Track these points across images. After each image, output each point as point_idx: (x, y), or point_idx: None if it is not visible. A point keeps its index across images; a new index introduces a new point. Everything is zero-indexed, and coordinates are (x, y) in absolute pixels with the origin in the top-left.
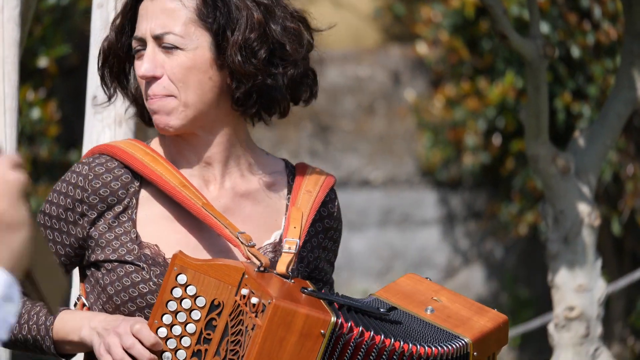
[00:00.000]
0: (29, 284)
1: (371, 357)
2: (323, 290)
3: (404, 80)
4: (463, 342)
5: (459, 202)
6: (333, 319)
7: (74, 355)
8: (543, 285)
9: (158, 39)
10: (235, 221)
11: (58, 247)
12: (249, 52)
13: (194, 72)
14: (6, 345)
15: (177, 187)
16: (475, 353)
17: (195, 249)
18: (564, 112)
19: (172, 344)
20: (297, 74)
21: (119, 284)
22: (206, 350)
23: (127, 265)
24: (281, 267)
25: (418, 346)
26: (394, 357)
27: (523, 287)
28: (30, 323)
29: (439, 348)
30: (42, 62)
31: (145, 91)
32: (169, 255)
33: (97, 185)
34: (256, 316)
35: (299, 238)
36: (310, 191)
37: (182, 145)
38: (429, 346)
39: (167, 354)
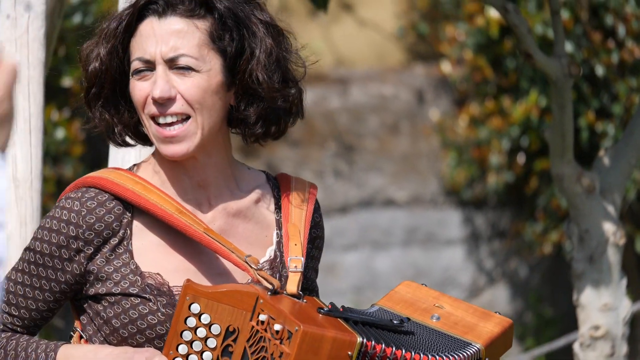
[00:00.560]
0: None
1: None
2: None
3: (428, 100)
4: (475, 348)
5: (484, 222)
6: (359, 339)
7: None
8: (567, 304)
9: (171, 61)
10: (231, 241)
11: (52, 285)
12: (266, 75)
13: (209, 94)
14: None
15: (175, 214)
16: (487, 359)
17: (195, 274)
18: (587, 131)
19: None
20: (298, 95)
21: (125, 317)
22: None
23: (132, 298)
24: (292, 287)
25: (437, 357)
26: None
27: (547, 306)
28: None
29: (455, 356)
30: (67, 81)
31: (151, 112)
32: (172, 283)
33: (92, 221)
34: (281, 343)
35: (302, 255)
36: (300, 205)
37: (176, 169)
38: (445, 356)
39: None
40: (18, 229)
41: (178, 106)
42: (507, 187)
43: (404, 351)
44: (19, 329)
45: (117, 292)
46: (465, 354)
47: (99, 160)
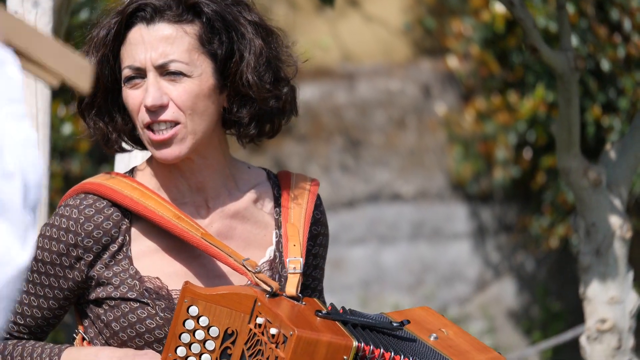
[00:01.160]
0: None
1: None
2: (315, 298)
3: (434, 94)
4: None
5: (490, 216)
6: (354, 343)
7: None
8: (574, 298)
9: (161, 67)
10: (229, 244)
11: (56, 292)
12: (257, 76)
13: (200, 98)
14: None
15: (172, 220)
16: None
17: (194, 278)
18: (594, 126)
19: None
20: (291, 94)
21: (124, 321)
22: None
23: (130, 302)
24: (291, 289)
25: None
26: None
27: (554, 300)
28: None
29: None
30: None
31: (145, 121)
32: (171, 287)
33: (90, 228)
34: (277, 347)
35: (302, 256)
36: (299, 203)
37: (173, 173)
38: None
39: None
40: None
41: (169, 113)
42: (513, 181)
43: (402, 357)
44: (25, 336)
45: (117, 296)
46: None
47: (106, 156)
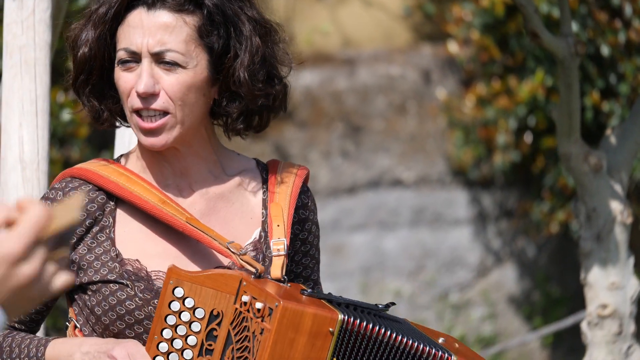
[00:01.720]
0: None
1: (379, 352)
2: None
3: (434, 80)
4: (451, 356)
5: (491, 201)
6: (340, 316)
7: None
8: (575, 283)
9: (157, 55)
10: (213, 225)
11: None
12: (249, 75)
13: (192, 90)
14: None
15: (157, 205)
16: None
17: (178, 259)
18: (592, 111)
19: (174, 358)
20: (283, 91)
21: (105, 304)
22: None
23: (110, 284)
24: (275, 271)
25: (417, 342)
26: (400, 351)
27: (555, 285)
28: (22, 356)
29: (434, 348)
30: None
31: (135, 106)
32: (151, 268)
33: None
34: (262, 320)
35: (285, 237)
36: (285, 182)
37: (157, 157)
38: (425, 344)
39: None
40: None
41: (160, 102)
42: (514, 166)
43: (389, 332)
44: (16, 325)
45: (97, 279)
46: (442, 352)
47: (106, 141)
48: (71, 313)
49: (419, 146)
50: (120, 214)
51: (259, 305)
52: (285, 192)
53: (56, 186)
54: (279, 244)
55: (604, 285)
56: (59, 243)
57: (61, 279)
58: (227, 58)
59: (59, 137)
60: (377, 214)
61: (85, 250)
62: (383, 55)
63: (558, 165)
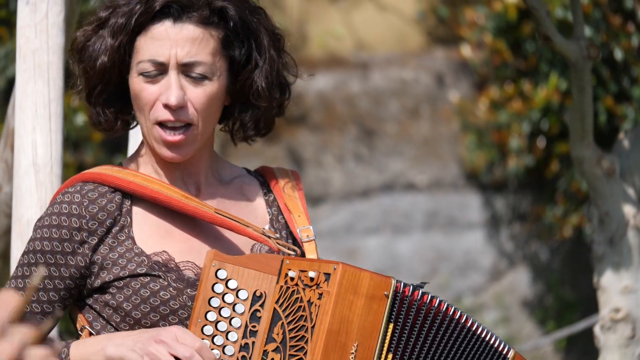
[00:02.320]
0: None
1: (429, 319)
2: None
3: (448, 83)
4: (509, 348)
5: (504, 205)
6: (393, 280)
7: None
8: (588, 287)
9: (185, 66)
10: None
11: (56, 282)
12: (267, 86)
13: (215, 101)
14: None
15: (183, 200)
16: None
17: (199, 253)
18: (605, 114)
19: (218, 340)
20: (288, 97)
21: (136, 298)
22: (253, 342)
23: (141, 277)
24: (312, 255)
25: (471, 319)
26: (459, 327)
27: (568, 289)
28: None
29: (489, 334)
30: None
31: (160, 118)
32: (178, 259)
33: (94, 210)
34: (318, 287)
35: (309, 223)
36: (288, 180)
37: (167, 164)
38: (479, 325)
39: (216, 352)
40: (38, 214)
41: (186, 114)
42: (527, 170)
43: (438, 300)
44: None
45: (125, 275)
46: (498, 342)
47: (119, 145)
48: (82, 321)
49: (432, 150)
50: (138, 213)
51: (312, 274)
52: (291, 188)
53: (70, 190)
54: (307, 230)
55: (617, 289)
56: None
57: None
58: (247, 69)
59: (72, 141)
60: (390, 217)
61: (107, 249)
62: (396, 58)
63: (572, 169)
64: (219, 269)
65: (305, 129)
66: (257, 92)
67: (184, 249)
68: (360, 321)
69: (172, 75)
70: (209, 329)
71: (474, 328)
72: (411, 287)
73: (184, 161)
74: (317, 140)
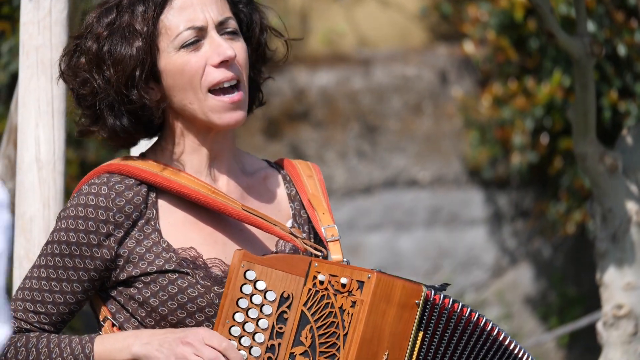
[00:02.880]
0: None
1: (459, 328)
2: None
3: (451, 80)
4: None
5: (507, 202)
6: (424, 289)
7: None
8: (591, 284)
9: (221, 24)
10: None
11: (80, 274)
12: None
13: (247, 56)
14: None
15: (209, 195)
16: None
17: (224, 246)
18: (610, 111)
19: (245, 341)
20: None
21: (163, 294)
22: (279, 344)
23: (169, 274)
24: (337, 255)
25: (499, 329)
26: (486, 336)
27: (571, 286)
28: (65, 355)
29: (515, 345)
30: None
31: (217, 79)
32: (206, 256)
33: (122, 203)
34: (350, 294)
35: (333, 222)
36: (310, 175)
37: (195, 143)
38: (506, 336)
39: (243, 353)
40: (41, 210)
41: (237, 69)
42: (530, 167)
43: (468, 309)
44: (46, 326)
45: (153, 270)
46: (521, 349)
47: None
48: (105, 312)
49: (435, 146)
50: (163, 205)
51: (344, 280)
52: (315, 185)
53: (96, 181)
54: (332, 230)
55: (620, 286)
56: None
57: None
58: (251, 28)
59: (74, 138)
60: (393, 214)
61: (133, 243)
62: (399, 55)
63: (575, 166)
64: (248, 270)
65: (308, 126)
66: (264, 43)
67: (209, 242)
68: (392, 330)
69: (214, 34)
70: (236, 330)
71: (500, 338)
72: (442, 296)
73: (213, 137)
74: (319, 136)
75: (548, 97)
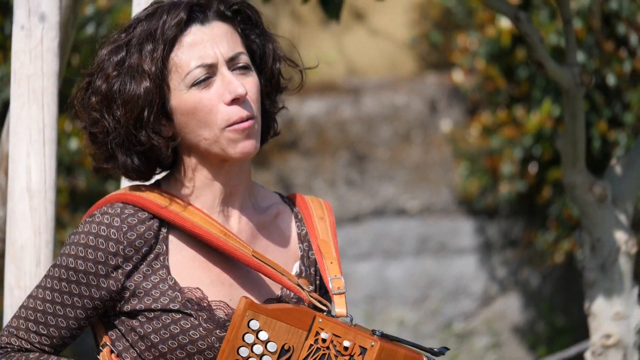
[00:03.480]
0: None
1: None
2: None
3: (440, 109)
4: None
5: (496, 231)
6: (425, 358)
7: None
8: (580, 313)
9: (231, 60)
10: None
11: (85, 301)
12: (278, 69)
13: (259, 91)
14: None
15: (221, 237)
16: None
17: (231, 287)
18: (599, 140)
19: None
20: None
21: (165, 332)
22: None
23: (172, 313)
24: (341, 309)
25: None
26: None
27: (560, 315)
28: None
29: None
30: None
31: (234, 117)
32: (211, 298)
33: (133, 237)
34: (351, 358)
35: (340, 273)
36: (322, 217)
37: (210, 177)
38: None
39: None
40: (32, 238)
41: (250, 107)
42: (519, 196)
43: None
44: (46, 348)
45: (157, 308)
46: None
47: None
48: (105, 339)
49: (424, 175)
50: (173, 241)
51: (347, 343)
52: (326, 228)
53: (109, 211)
54: (338, 281)
55: (608, 315)
56: None
57: None
58: (264, 59)
59: (65, 166)
60: (381, 242)
61: (141, 277)
62: (388, 84)
63: (563, 195)
64: (252, 319)
65: (297, 154)
66: (277, 72)
67: (216, 283)
68: None
69: (224, 71)
70: None
71: None
72: None
73: (228, 172)
74: (308, 165)
75: (537, 127)
